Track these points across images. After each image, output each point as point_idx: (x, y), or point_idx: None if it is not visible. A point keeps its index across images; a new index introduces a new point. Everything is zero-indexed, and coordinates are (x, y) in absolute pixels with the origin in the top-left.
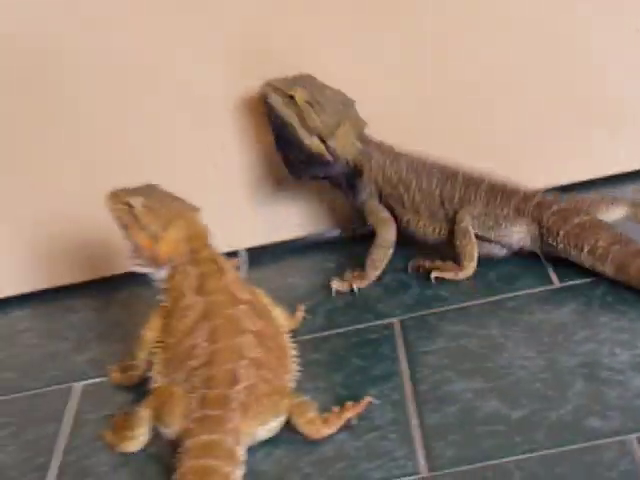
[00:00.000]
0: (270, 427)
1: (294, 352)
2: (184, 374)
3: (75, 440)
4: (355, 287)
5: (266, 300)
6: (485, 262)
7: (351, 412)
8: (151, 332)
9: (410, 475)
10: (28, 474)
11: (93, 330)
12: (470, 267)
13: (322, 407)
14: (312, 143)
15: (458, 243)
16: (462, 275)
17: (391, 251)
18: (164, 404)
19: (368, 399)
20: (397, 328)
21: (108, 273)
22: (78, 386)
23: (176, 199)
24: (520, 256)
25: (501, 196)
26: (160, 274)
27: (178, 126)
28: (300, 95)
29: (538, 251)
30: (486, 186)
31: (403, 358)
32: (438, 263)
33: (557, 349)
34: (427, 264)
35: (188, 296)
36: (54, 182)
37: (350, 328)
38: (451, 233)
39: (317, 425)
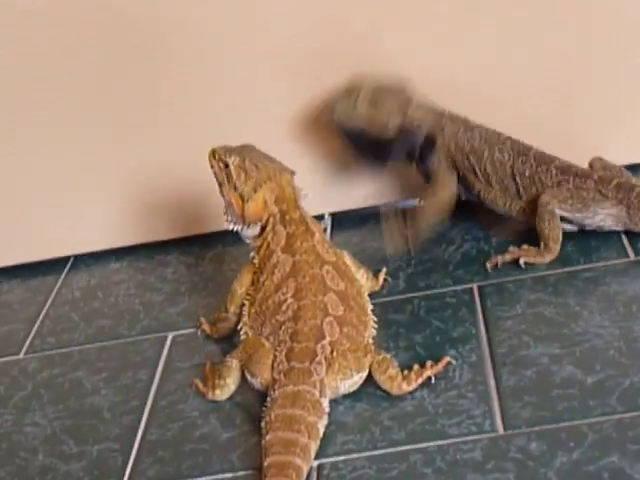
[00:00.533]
0: (353, 381)
1: (374, 313)
2: (271, 328)
3: (167, 386)
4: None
5: (349, 262)
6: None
7: (431, 371)
8: (241, 287)
9: (487, 433)
10: (122, 416)
11: (185, 284)
12: (556, 249)
13: (402, 365)
14: (391, 125)
15: (545, 225)
16: (549, 258)
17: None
18: (253, 355)
19: (447, 359)
20: (475, 293)
21: (201, 231)
22: (170, 336)
23: (272, 161)
24: (596, 230)
25: (579, 178)
26: (251, 232)
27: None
28: (363, 95)
29: (621, 230)
30: (556, 166)
31: (481, 322)
32: (520, 251)
33: (632, 319)
34: (508, 257)
35: (277, 254)
36: (151, 139)
37: (430, 292)
38: (526, 212)
39: (397, 381)
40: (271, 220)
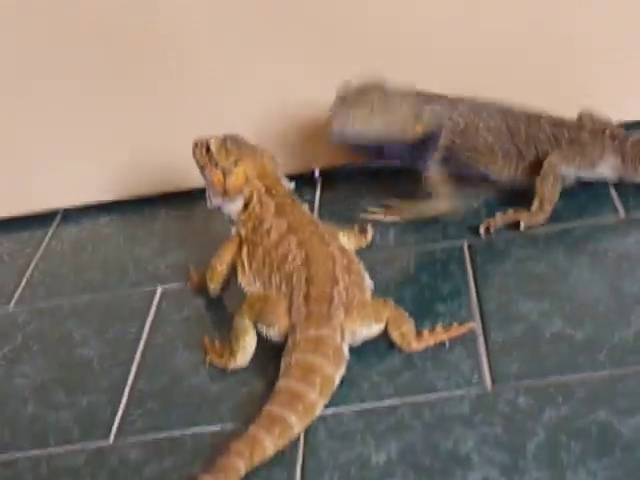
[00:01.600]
0: (371, 330)
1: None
2: (279, 278)
3: (156, 339)
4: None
5: (332, 229)
6: None
7: (446, 335)
8: (222, 264)
9: (475, 387)
10: (111, 368)
11: (174, 238)
12: (549, 211)
13: None
14: (417, 130)
15: (547, 187)
16: (542, 218)
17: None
18: (264, 307)
19: (470, 325)
20: (465, 250)
21: (190, 185)
22: (160, 289)
23: (251, 145)
24: (587, 187)
25: (572, 130)
26: (234, 207)
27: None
28: (378, 100)
29: (615, 179)
30: (546, 120)
31: (470, 279)
32: (515, 214)
33: (621, 276)
34: (500, 221)
35: (268, 220)
36: (143, 92)
37: (420, 248)
38: (530, 172)
39: (409, 339)
40: (255, 194)
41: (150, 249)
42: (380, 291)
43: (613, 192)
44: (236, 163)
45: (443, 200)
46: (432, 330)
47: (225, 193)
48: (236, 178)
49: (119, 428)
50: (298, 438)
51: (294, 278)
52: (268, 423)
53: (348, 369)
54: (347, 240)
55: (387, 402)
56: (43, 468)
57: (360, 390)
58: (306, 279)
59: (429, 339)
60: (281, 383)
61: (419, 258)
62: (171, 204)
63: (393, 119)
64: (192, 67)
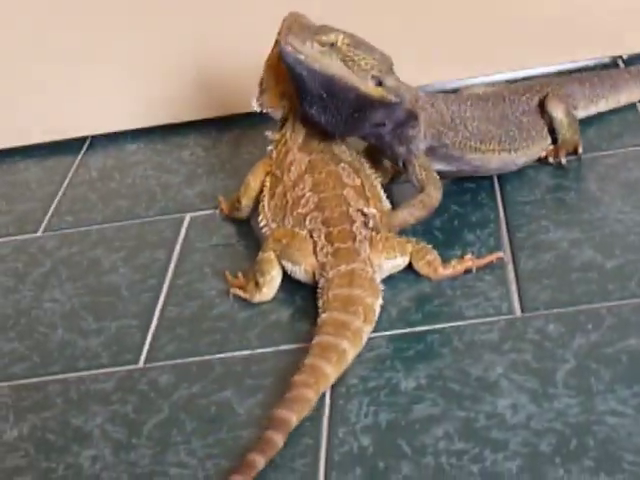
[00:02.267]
0: (396, 263)
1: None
2: (293, 221)
3: (184, 266)
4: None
5: (364, 159)
6: (586, 120)
7: (473, 263)
8: (255, 181)
9: (504, 314)
10: (140, 294)
11: (202, 166)
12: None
13: None
14: (369, 88)
15: (571, 126)
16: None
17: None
18: (290, 243)
19: (498, 254)
20: (495, 178)
21: (218, 113)
22: (188, 217)
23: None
24: (618, 115)
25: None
26: (276, 115)
27: None
28: (342, 39)
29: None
30: (525, 89)
31: (500, 207)
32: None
33: None
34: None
35: (293, 152)
36: (171, 18)
37: (448, 178)
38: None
39: (435, 265)
40: (292, 116)
41: (178, 177)
42: None
43: None
44: (276, 83)
45: (437, 186)
46: (461, 258)
47: (260, 103)
48: (270, 98)
49: (148, 353)
50: None
51: (307, 221)
52: (323, 352)
53: None
54: (374, 173)
55: (416, 328)
56: (73, 392)
57: (389, 316)
58: (322, 221)
59: (456, 265)
60: (324, 316)
61: (448, 187)
62: (199, 132)
63: (352, 66)
64: None
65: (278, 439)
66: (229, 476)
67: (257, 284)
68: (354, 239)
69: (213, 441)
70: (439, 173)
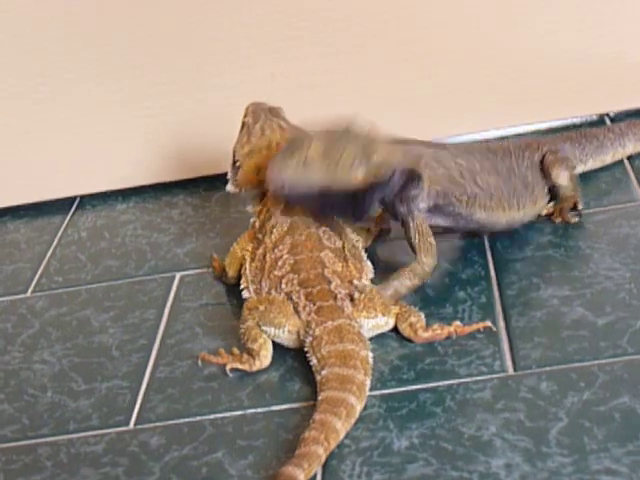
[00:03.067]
0: (377, 323)
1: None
2: (269, 283)
3: (175, 325)
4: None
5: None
6: None
7: (456, 330)
8: (241, 251)
9: (497, 373)
10: (131, 354)
11: (192, 225)
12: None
13: (411, 304)
14: (358, 179)
15: (572, 186)
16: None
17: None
18: (269, 307)
19: (485, 323)
20: (485, 236)
21: (207, 172)
22: (178, 276)
23: (290, 130)
24: (606, 173)
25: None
26: (254, 192)
27: None
28: (315, 147)
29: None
30: (527, 145)
31: (490, 264)
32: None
33: None
34: (560, 210)
35: (275, 216)
36: (160, 80)
37: (439, 236)
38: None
39: (416, 328)
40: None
41: (168, 236)
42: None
43: (633, 177)
44: (250, 155)
45: (430, 253)
46: (442, 325)
47: (235, 183)
48: (245, 173)
49: (139, 414)
50: None
51: (283, 284)
52: (332, 407)
53: None
54: (356, 236)
55: (408, 387)
56: (63, 455)
57: (381, 374)
58: (299, 283)
59: (438, 330)
60: (325, 372)
61: (439, 245)
62: (188, 191)
63: (332, 165)
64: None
65: None
66: None
67: (252, 353)
68: (335, 297)
69: None
70: (444, 229)
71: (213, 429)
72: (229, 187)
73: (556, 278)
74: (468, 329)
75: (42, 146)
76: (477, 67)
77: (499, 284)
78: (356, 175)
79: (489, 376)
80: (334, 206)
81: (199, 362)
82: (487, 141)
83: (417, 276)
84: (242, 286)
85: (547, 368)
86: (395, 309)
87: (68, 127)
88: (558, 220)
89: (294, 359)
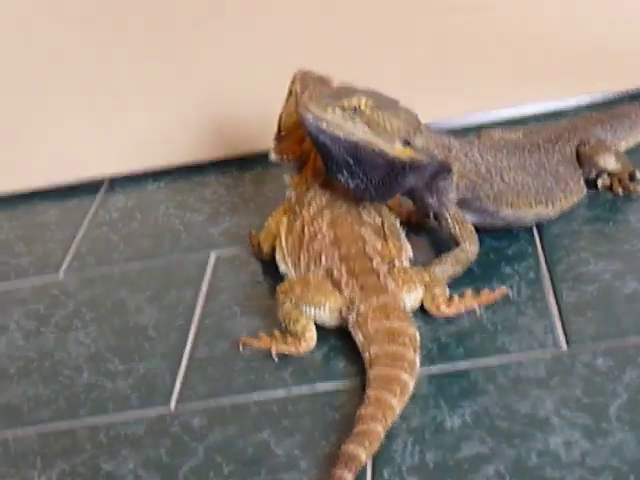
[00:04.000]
0: (418, 295)
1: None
2: (308, 257)
3: (212, 305)
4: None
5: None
6: None
7: (478, 301)
8: (275, 225)
9: (549, 349)
10: (168, 335)
11: (225, 204)
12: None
13: (456, 283)
14: (398, 151)
15: (622, 162)
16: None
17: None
18: (307, 288)
19: (503, 290)
20: None
21: (239, 152)
22: (213, 255)
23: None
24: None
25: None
26: (296, 162)
27: None
28: (365, 102)
29: None
30: (556, 136)
31: (537, 240)
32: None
33: None
34: (619, 181)
35: (314, 188)
36: (191, 57)
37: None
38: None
39: (438, 302)
40: (312, 156)
41: (201, 215)
42: (444, 252)
43: None
44: (296, 123)
45: (473, 240)
46: (462, 295)
47: (277, 149)
48: (286, 143)
49: (180, 395)
50: None
51: (323, 257)
52: (386, 384)
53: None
54: (394, 216)
55: (458, 365)
56: (102, 436)
57: (429, 352)
58: (339, 258)
59: (460, 304)
60: (375, 350)
61: None
62: (220, 171)
63: (378, 130)
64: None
65: (349, 478)
66: None
67: (296, 334)
68: (378, 274)
69: None
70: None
71: (257, 409)
72: (272, 156)
73: (606, 252)
74: (486, 298)
75: (70, 127)
76: (504, 43)
77: (547, 259)
78: (397, 146)
79: (542, 352)
80: (357, 172)
81: (240, 347)
82: (517, 130)
83: (460, 263)
84: (278, 258)
85: (602, 343)
86: (426, 276)
87: (96, 108)
88: (619, 190)
89: (337, 337)
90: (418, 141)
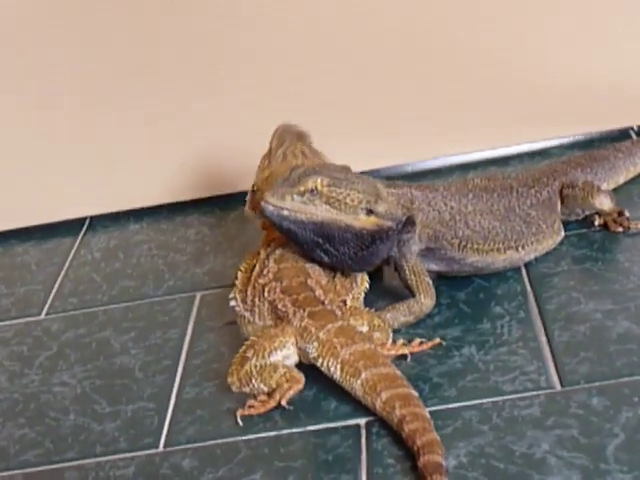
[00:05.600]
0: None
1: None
2: (253, 292)
3: (199, 345)
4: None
5: None
6: None
7: (409, 349)
8: (242, 274)
9: (543, 389)
10: (155, 376)
11: (209, 244)
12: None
13: (446, 322)
14: (363, 222)
15: (614, 202)
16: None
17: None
18: (260, 338)
19: (437, 341)
20: None
21: (222, 191)
22: (199, 295)
23: (312, 157)
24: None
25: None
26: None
27: None
28: (320, 182)
29: None
30: (531, 178)
31: (526, 279)
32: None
33: None
34: (613, 220)
35: (275, 242)
36: (172, 99)
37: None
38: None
39: (375, 345)
40: None
41: (185, 255)
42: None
43: None
44: (268, 179)
45: (429, 294)
46: (399, 342)
47: (251, 206)
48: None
49: (168, 436)
50: (360, 442)
51: (266, 291)
52: (408, 401)
53: (404, 372)
54: None
55: (451, 405)
56: (92, 478)
57: (421, 392)
58: (282, 290)
59: (392, 349)
60: (366, 376)
61: None
62: (203, 210)
63: (339, 206)
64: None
65: None
66: None
67: (281, 387)
68: (323, 303)
69: None
70: (438, 273)
71: (248, 450)
72: (245, 210)
73: (597, 292)
74: (420, 348)
75: (50, 167)
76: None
77: (537, 299)
78: (361, 218)
79: (536, 392)
80: (329, 249)
81: (239, 420)
82: (492, 175)
83: (413, 314)
84: (230, 296)
85: (597, 383)
86: (375, 319)
87: (76, 147)
88: (619, 229)
89: (326, 377)
90: (380, 208)
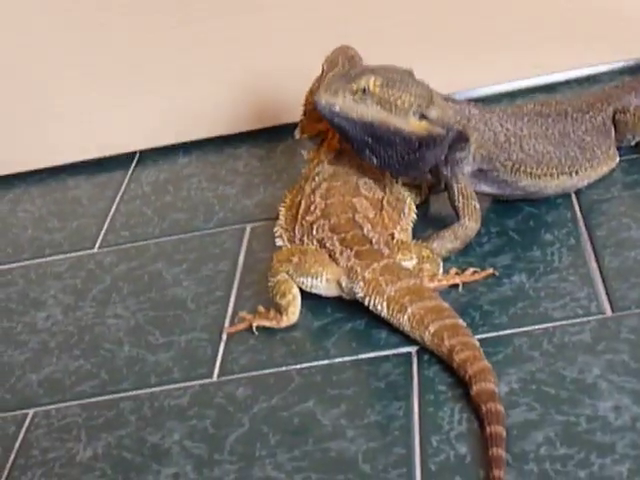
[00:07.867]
0: (410, 265)
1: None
2: (301, 230)
3: (250, 276)
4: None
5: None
6: None
7: (461, 278)
8: (285, 210)
9: (594, 314)
10: (207, 306)
11: (258, 176)
12: None
13: (496, 250)
14: (413, 126)
15: None
16: None
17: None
18: (303, 258)
19: (490, 271)
20: None
21: (269, 123)
22: (249, 227)
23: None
24: None
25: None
26: (314, 141)
27: None
28: (374, 82)
29: None
30: (586, 103)
31: (576, 206)
32: None
33: None
34: None
35: (323, 164)
36: (222, 28)
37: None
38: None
39: (422, 276)
40: (329, 134)
41: (235, 188)
42: (482, 223)
43: None
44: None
45: (474, 217)
46: (452, 272)
47: (301, 128)
48: (311, 117)
49: (222, 366)
50: (412, 370)
51: (315, 230)
52: (456, 330)
53: (456, 299)
54: (407, 190)
55: (502, 332)
56: (146, 408)
57: (472, 320)
58: (330, 229)
59: (442, 281)
60: (413, 310)
61: None
62: (251, 142)
63: (390, 108)
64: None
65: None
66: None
67: (280, 308)
68: (370, 242)
69: (300, 454)
70: (489, 195)
71: (301, 379)
72: (295, 133)
73: None
74: (473, 278)
75: (100, 101)
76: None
77: (587, 225)
78: (412, 121)
79: (586, 318)
80: (377, 150)
81: (224, 335)
82: (546, 100)
83: (459, 239)
84: (276, 234)
85: None
86: (424, 251)
87: (126, 81)
88: None
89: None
90: (432, 113)
